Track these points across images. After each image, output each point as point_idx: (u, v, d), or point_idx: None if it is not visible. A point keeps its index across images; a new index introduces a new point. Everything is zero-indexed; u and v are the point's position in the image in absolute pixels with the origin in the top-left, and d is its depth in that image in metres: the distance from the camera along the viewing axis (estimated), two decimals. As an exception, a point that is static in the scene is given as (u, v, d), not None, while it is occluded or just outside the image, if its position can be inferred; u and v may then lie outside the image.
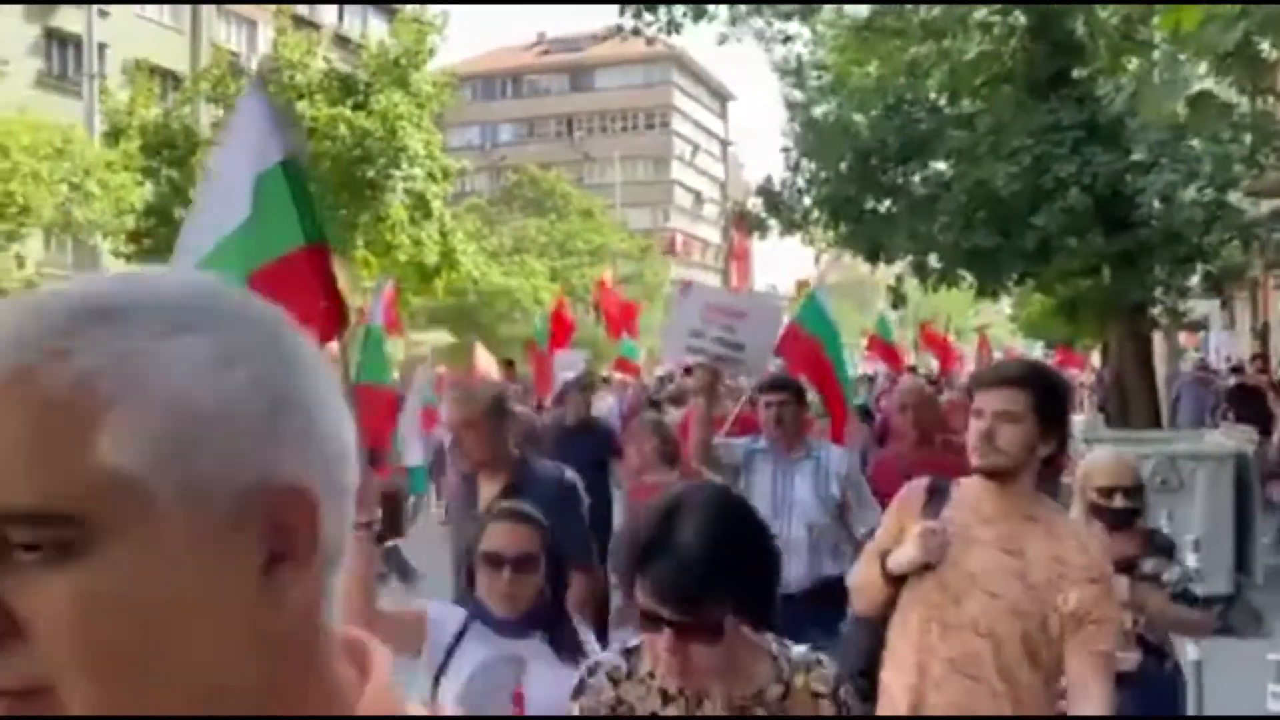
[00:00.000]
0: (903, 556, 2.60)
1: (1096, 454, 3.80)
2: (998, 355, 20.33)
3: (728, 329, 4.70)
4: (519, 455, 4.04)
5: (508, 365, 15.47)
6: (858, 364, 32.10)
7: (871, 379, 16.64)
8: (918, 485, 2.76)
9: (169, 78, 27.64)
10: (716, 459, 4.66)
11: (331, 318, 2.94)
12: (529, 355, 14.16)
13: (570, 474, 4.06)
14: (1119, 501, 3.60)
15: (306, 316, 2.63)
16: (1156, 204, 10.15)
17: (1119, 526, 3.60)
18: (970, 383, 3.09)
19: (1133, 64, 11.83)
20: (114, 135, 20.31)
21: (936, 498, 2.70)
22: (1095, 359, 29.26)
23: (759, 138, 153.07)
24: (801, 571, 4.47)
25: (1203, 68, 3.83)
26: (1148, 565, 3.59)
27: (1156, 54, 11.28)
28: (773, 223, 13.02)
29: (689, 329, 4.76)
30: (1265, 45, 3.39)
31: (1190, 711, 4.97)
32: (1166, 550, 3.69)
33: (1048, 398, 2.55)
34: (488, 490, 3.84)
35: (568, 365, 13.97)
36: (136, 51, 24.98)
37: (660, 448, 5.42)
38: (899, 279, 13.09)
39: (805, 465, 4.66)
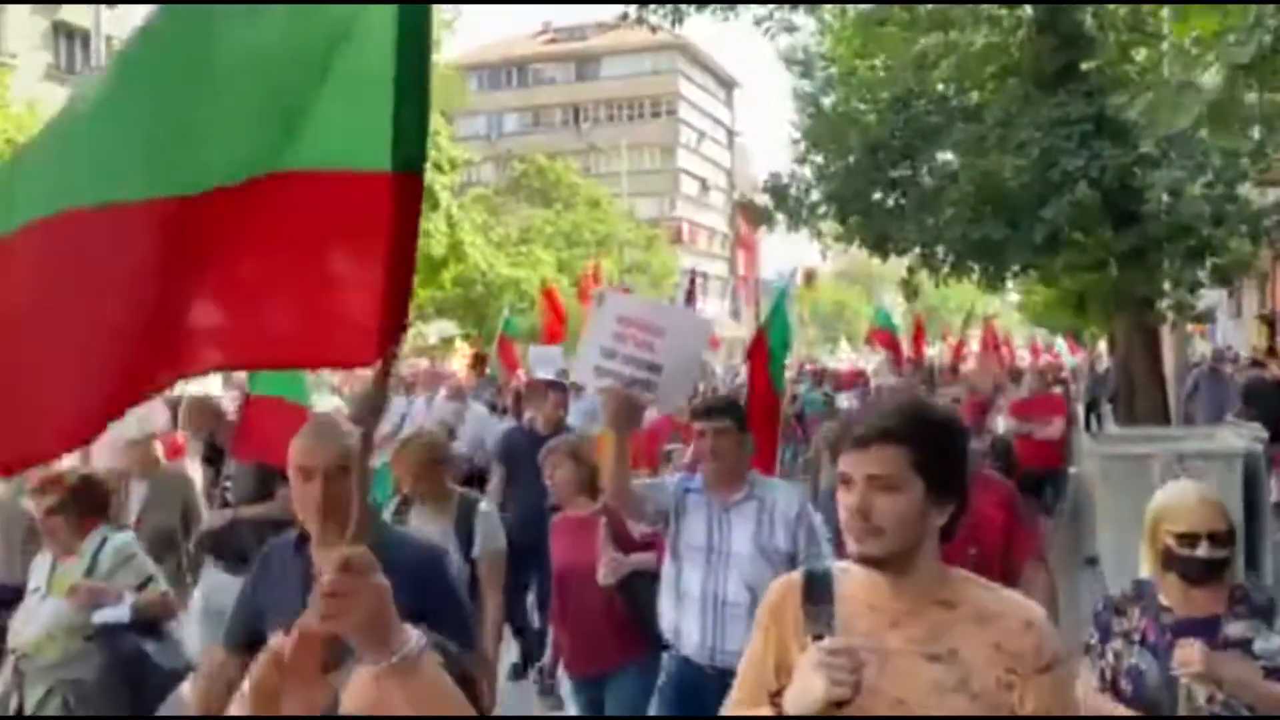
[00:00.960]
0: (805, 696, 1.81)
1: (1175, 491, 3.07)
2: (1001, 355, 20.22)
3: (645, 346, 3.94)
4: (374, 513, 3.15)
5: (478, 360, 14.73)
6: (857, 358, 32.09)
7: (863, 377, 16.14)
8: (791, 580, 2.08)
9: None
10: (639, 502, 3.98)
11: (389, 319, 1.59)
12: (499, 350, 13.31)
13: (436, 545, 3.23)
14: (1204, 551, 2.93)
15: (344, 309, 1.59)
16: (1165, 198, 10.13)
17: (1202, 580, 2.97)
18: (832, 438, 2.54)
19: (1141, 55, 11.81)
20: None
21: (818, 593, 1.99)
22: (1103, 346, 29.24)
23: (765, 124, 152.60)
24: (739, 643, 3.43)
25: (1214, 71, 3.83)
26: (1234, 629, 2.93)
27: (1165, 45, 11.31)
28: (779, 216, 13.00)
29: (600, 347, 3.95)
30: (1280, 60, 3.41)
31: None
32: (1264, 611, 2.97)
33: (935, 451, 1.92)
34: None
35: (544, 361, 13.07)
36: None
37: (575, 475, 4.69)
38: (911, 271, 13.08)
39: (746, 508, 3.92)
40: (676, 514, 3.99)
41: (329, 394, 14.29)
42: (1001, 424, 10.13)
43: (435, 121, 22.58)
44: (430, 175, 22.14)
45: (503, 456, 7.11)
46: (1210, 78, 3.48)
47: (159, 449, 6.04)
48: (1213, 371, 13.58)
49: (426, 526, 4.44)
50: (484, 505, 4.75)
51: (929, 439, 1.92)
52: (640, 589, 4.29)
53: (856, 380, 13.98)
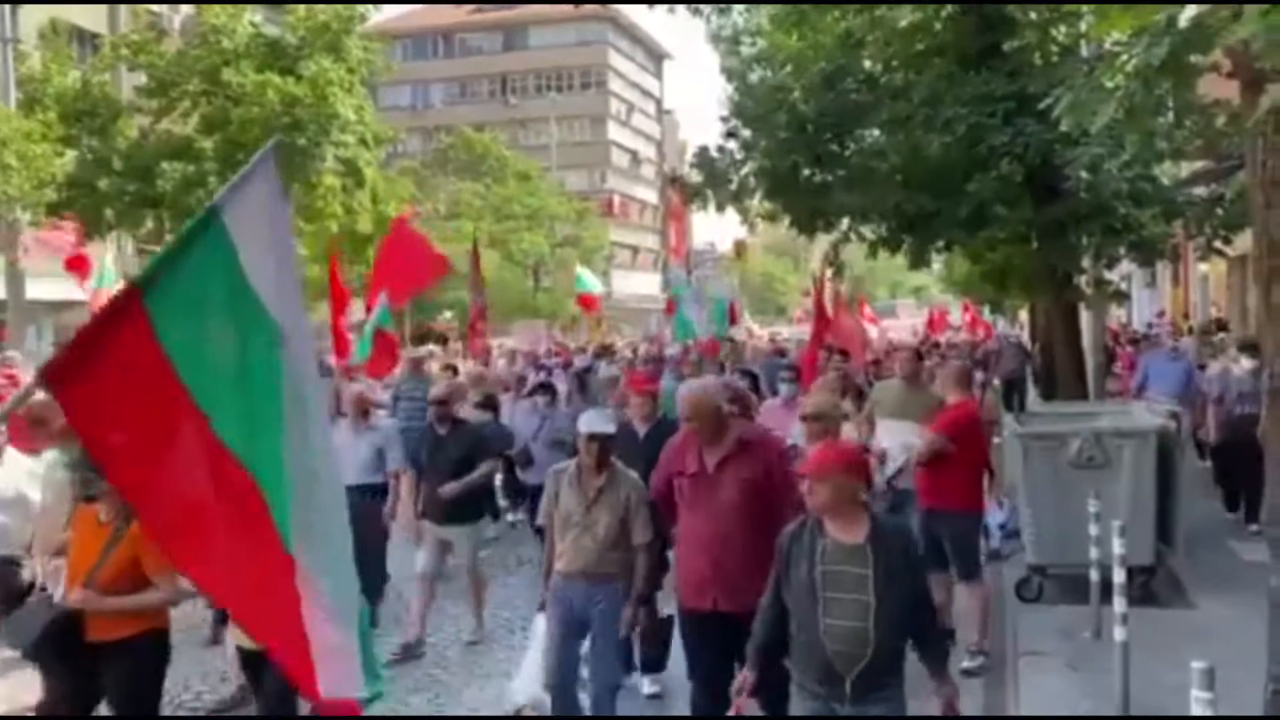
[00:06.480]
0: None
1: None
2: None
3: None
4: None
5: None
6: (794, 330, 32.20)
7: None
8: None
9: (87, 39, 26.72)
10: None
11: None
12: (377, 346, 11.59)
13: None
14: None
15: None
16: (1084, 175, 10.35)
17: None
18: None
19: (1061, 33, 12.00)
20: (30, 104, 19.57)
21: None
22: (1024, 317, 29.84)
23: (696, 97, 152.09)
24: None
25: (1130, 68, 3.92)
26: None
27: (1083, 24, 11.52)
28: (709, 195, 13.01)
29: None
30: (1193, 58, 3.50)
31: (1120, 689, 5.18)
32: None
33: None
34: None
35: None
36: (51, 11, 24.04)
37: None
38: (835, 247, 13.22)
39: None
40: None
41: None
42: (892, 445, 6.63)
43: (360, 95, 22.08)
44: (355, 150, 21.72)
45: None
46: (1123, 79, 3.58)
47: None
48: (1167, 352, 11.80)
49: None
50: None
51: None
52: None
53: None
